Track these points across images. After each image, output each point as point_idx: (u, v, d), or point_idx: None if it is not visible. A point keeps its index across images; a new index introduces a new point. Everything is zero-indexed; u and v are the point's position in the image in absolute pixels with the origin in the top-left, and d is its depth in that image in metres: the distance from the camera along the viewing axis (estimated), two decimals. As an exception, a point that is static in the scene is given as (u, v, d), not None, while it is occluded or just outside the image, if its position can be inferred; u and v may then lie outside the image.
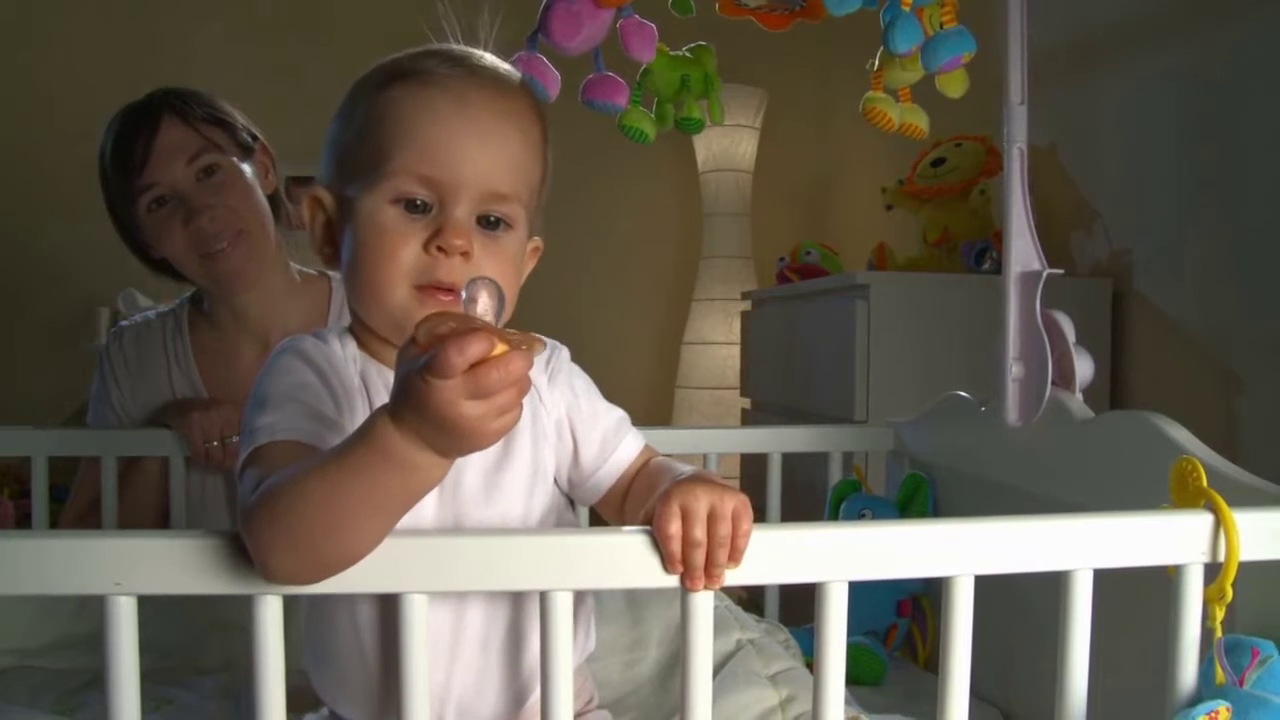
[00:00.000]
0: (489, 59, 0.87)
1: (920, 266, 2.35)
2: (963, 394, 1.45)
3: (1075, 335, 1.21)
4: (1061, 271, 1.22)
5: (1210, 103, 1.85)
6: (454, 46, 0.88)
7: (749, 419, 2.81)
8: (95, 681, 1.22)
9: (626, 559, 0.77)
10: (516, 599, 0.85)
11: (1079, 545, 0.82)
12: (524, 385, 0.64)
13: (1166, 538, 0.83)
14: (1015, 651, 1.25)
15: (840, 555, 0.79)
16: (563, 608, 0.77)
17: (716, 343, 3.30)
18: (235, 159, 1.52)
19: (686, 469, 0.89)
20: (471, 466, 0.84)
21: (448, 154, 0.80)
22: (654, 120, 1.38)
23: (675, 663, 1.21)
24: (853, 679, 1.05)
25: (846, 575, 0.80)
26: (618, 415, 0.95)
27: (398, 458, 0.66)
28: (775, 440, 1.64)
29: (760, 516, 1.65)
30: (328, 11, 3.44)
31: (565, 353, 0.95)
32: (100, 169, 1.51)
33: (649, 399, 3.54)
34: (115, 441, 1.52)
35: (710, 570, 0.75)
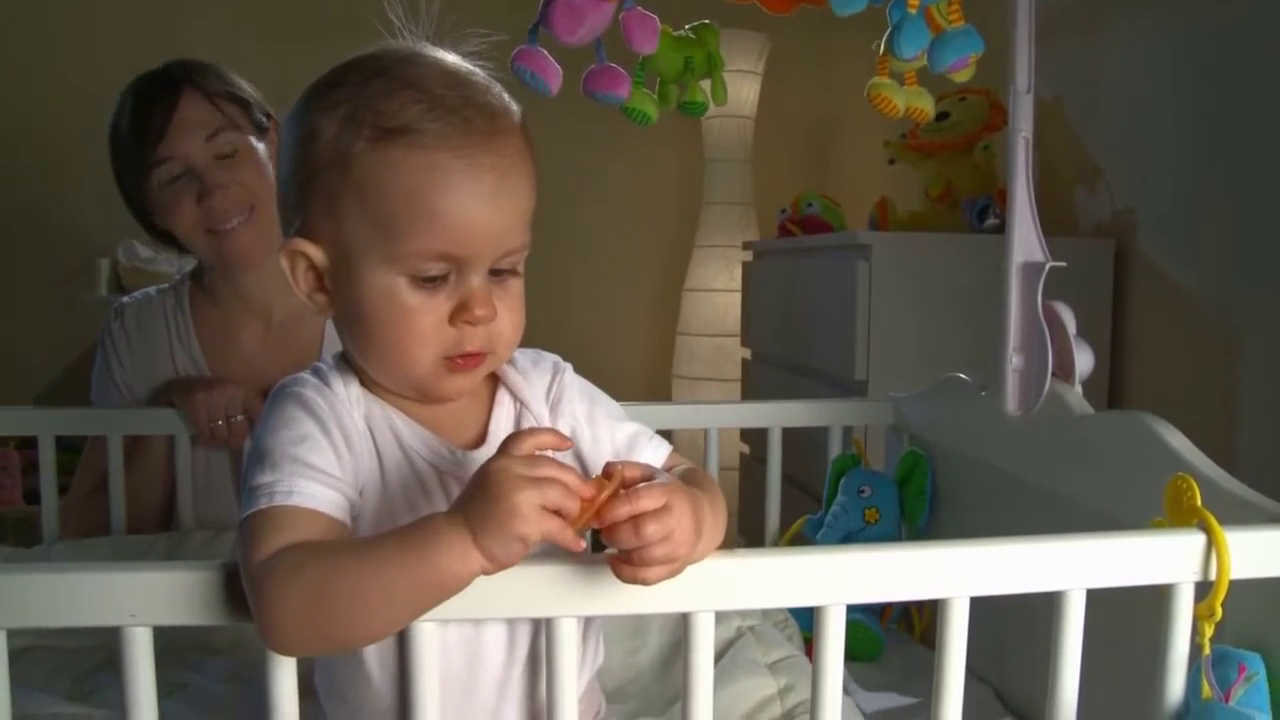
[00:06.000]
0: (470, 85, 0.80)
1: (922, 221, 2.33)
2: (962, 376, 1.46)
3: (1075, 327, 1.22)
4: (1065, 265, 1.22)
5: (1216, 53, 1.82)
6: (416, 63, 0.81)
7: (749, 369, 2.82)
8: (110, 661, 1.25)
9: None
10: (534, 641, 0.85)
11: (1072, 566, 0.83)
12: None
13: (1159, 557, 0.84)
14: (1008, 631, 1.27)
15: (836, 580, 0.81)
16: (568, 634, 0.78)
17: (717, 290, 3.29)
18: (252, 138, 1.51)
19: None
20: None
21: (465, 229, 0.77)
22: (656, 101, 1.37)
23: (676, 650, 1.23)
24: (850, 656, 1.07)
25: (843, 599, 0.81)
26: (630, 430, 0.91)
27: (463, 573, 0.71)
28: (775, 415, 1.65)
29: (761, 490, 1.68)
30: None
31: (568, 372, 0.91)
32: (112, 137, 1.50)
33: (650, 345, 3.54)
34: (121, 420, 1.53)
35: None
